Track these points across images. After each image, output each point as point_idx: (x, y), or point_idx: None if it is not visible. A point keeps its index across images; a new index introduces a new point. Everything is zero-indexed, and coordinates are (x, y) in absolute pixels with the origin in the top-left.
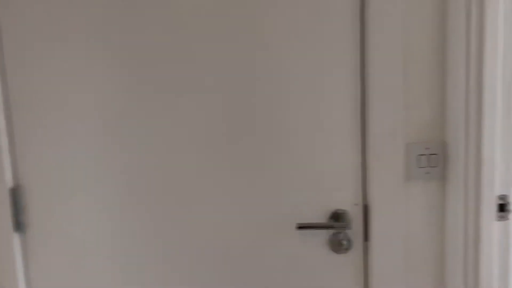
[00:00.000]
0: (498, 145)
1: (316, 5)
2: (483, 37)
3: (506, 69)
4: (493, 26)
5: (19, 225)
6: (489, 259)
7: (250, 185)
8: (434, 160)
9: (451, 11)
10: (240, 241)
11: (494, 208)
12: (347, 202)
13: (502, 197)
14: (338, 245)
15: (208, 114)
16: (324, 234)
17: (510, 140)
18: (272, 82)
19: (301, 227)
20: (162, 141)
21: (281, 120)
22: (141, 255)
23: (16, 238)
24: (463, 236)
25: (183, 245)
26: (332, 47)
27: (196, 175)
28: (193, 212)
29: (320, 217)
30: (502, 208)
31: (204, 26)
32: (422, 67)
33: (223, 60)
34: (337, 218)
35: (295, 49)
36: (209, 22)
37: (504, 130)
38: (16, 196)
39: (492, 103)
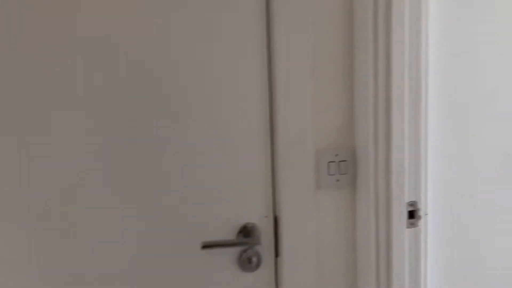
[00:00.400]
0: (407, 150)
1: (220, 7)
2: (390, 41)
3: (412, 73)
4: (400, 31)
5: None
6: (401, 267)
7: (148, 201)
8: (343, 167)
9: (358, 15)
10: (139, 265)
11: (404, 215)
12: (257, 214)
13: (412, 204)
14: (247, 263)
15: (97, 120)
16: (233, 252)
17: (418, 145)
18: (173, 86)
19: (206, 246)
20: (48, 154)
21: (182, 126)
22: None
23: None
24: (374, 245)
25: (79, 270)
26: (238, 49)
27: (88, 192)
28: (86, 234)
29: (229, 233)
30: (412, 215)
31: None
32: (331, 71)
33: (114, 60)
34: (247, 232)
35: (198, 49)
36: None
37: (413, 135)
38: None
39: (401, 108)
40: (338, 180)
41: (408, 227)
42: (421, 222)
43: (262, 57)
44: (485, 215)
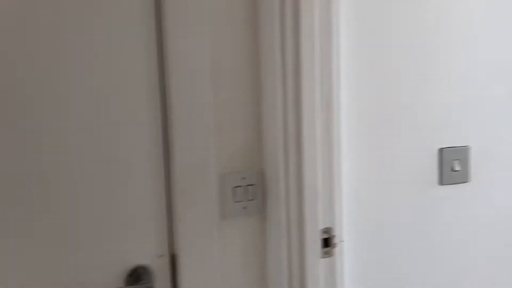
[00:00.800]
0: (320, 172)
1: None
2: (299, 55)
3: (324, 88)
4: (309, 44)
5: None
6: None
7: (11, 244)
8: (251, 192)
9: (263, 21)
10: None
11: (318, 244)
12: (150, 253)
13: (326, 230)
14: None
15: None
16: None
17: (331, 166)
18: (48, 104)
19: None
20: None
21: (52, 145)
22: None
23: None
24: (287, 279)
25: None
26: (122, 56)
27: None
28: None
29: (115, 279)
30: (326, 243)
31: None
32: (235, 83)
33: None
34: (138, 276)
35: (72, 59)
36: None
37: (325, 155)
38: None
39: (312, 126)
40: (245, 207)
41: (322, 257)
42: (336, 250)
43: (152, 67)
44: (404, 237)
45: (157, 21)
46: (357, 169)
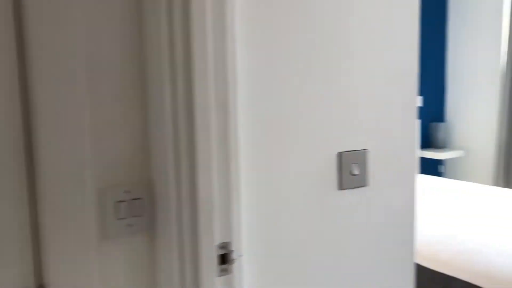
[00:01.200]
0: (216, 181)
1: None
2: (190, 53)
3: (219, 89)
4: (201, 40)
5: None
6: None
7: None
8: (138, 207)
9: (149, 19)
10: None
11: (214, 261)
12: (12, 286)
13: (223, 246)
14: None
15: None
16: None
17: (228, 175)
18: None
19: None
20: None
21: None
22: None
23: None
24: None
25: None
26: None
27: None
28: None
29: None
30: (223, 259)
31: None
32: (117, 85)
33: None
34: None
35: None
36: None
37: (221, 164)
38: None
39: (206, 132)
40: (130, 225)
41: (219, 275)
42: (234, 267)
43: (9, 56)
44: (305, 246)
45: (15, 7)
46: (255, 178)
